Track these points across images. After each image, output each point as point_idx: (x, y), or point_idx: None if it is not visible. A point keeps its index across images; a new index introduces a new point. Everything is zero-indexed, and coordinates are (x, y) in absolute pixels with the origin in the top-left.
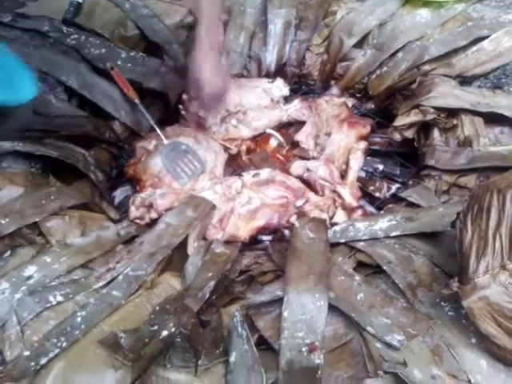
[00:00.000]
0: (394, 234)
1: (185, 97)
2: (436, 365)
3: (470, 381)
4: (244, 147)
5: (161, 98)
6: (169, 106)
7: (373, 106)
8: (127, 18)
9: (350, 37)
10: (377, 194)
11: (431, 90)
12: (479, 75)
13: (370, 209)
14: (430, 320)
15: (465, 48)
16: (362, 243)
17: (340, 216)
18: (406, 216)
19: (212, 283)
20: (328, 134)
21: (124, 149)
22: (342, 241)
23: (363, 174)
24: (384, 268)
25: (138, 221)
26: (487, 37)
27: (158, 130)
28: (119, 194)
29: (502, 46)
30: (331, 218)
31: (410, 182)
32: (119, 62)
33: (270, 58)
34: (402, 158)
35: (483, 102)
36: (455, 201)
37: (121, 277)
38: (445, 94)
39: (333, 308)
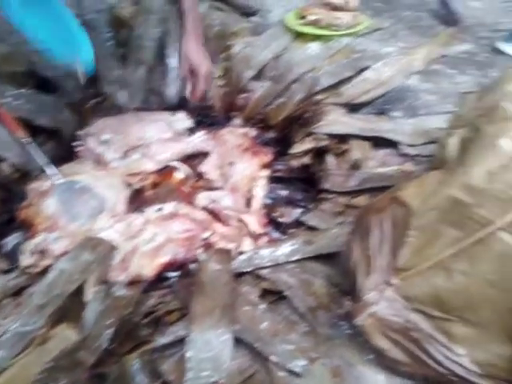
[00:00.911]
0: (294, 258)
1: (81, 133)
2: None
3: None
4: (148, 181)
5: (54, 136)
6: (63, 144)
7: (274, 135)
8: (15, 52)
9: (248, 70)
10: (282, 220)
11: (322, 119)
12: (365, 102)
13: (276, 235)
14: (330, 341)
15: (351, 78)
16: (266, 270)
17: (247, 244)
18: (305, 239)
19: (110, 331)
20: (232, 164)
21: (14, 191)
22: (248, 269)
23: (268, 201)
24: (286, 294)
25: (30, 269)
26: (370, 67)
27: (51, 170)
28: (10, 242)
29: (383, 75)
30: (238, 247)
31: (311, 206)
32: (7, 100)
33: (171, 91)
34: (304, 183)
35: (369, 127)
36: (348, 221)
37: (8, 334)
38: (334, 121)
39: (238, 340)
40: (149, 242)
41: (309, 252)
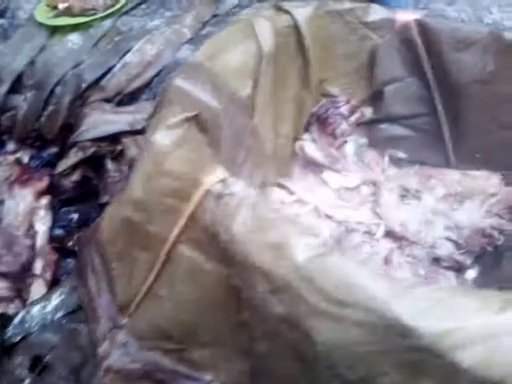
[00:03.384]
0: (60, 314)
1: None
2: None
3: None
4: None
5: None
6: None
7: (55, 150)
8: None
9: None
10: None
11: (81, 124)
12: (139, 89)
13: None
14: None
15: (115, 66)
16: (35, 333)
17: (38, 289)
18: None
19: None
20: (1, 203)
21: None
22: (18, 339)
23: (59, 231)
24: (47, 358)
25: None
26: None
27: None
28: None
29: (148, 54)
30: (25, 300)
31: None
32: None
33: None
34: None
35: (142, 117)
36: None
37: None
38: (96, 122)
39: None
40: None
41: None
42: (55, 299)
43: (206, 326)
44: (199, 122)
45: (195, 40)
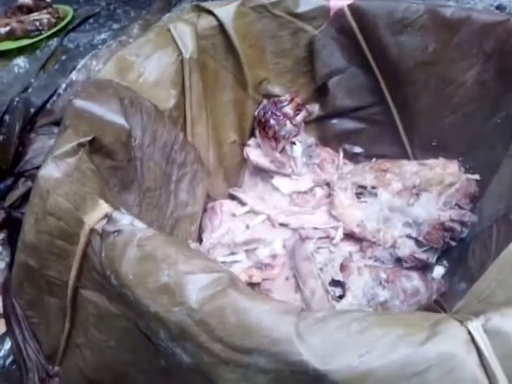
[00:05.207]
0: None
1: None
2: None
3: None
4: None
5: None
6: None
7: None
8: None
9: None
10: None
11: (28, 151)
12: None
13: None
14: None
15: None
16: None
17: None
18: None
19: None
20: None
21: None
22: None
23: None
24: None
25: None
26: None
27: None
28: None
29: (94, 71)
30: None
31: None
32: None
33: None
34: None
35: None
36: None
37: None
38: (43, 149)
39: None
40: None
41: None
42: (7, 343)
43: (132, 369)
44: (98, 146)
45: None
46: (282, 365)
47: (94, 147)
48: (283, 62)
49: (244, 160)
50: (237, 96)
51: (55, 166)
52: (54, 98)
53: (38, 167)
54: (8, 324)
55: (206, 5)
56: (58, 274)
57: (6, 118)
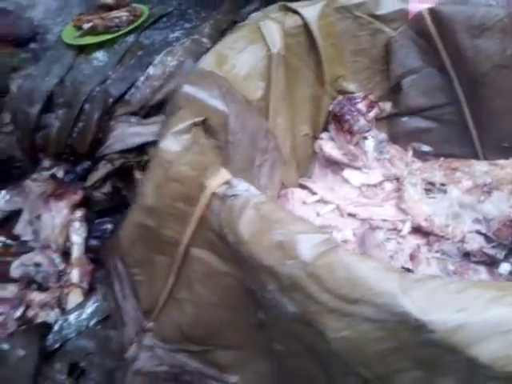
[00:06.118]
0: (95, 320)
1: None
2: None
3: None
4: None
5: None
6: None
7: (87, 165)
8: None
9: (32, 105)
10: None
11: (109, 137)
12: (162, 101)
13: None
14: None
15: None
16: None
17: (76, 298)
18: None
19: None
20: (38, 218)
21: None
22: (56, 346)
23: (94, 242)
24: (82, 364)
25: None
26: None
27: None
28: None
29: (169, 66)
30: (64, 309)
31: None
32: None
33: None
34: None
35: None
36: None
37: None
38: (123, 135)
39: None
40: None
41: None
42: (89, 307)
43: (226, 327)
44: (207, 127)
45: None
46: (385, 315)
47: (204, 127)
48: (361, 60)
49: (314, 152)
50: (314, 91)
51: (174, 140)
52: (132, 90)
53: (118, 152)
54: (108, 283)
55: (292, 5)
56: (173, 233)
57: (86, 106)
